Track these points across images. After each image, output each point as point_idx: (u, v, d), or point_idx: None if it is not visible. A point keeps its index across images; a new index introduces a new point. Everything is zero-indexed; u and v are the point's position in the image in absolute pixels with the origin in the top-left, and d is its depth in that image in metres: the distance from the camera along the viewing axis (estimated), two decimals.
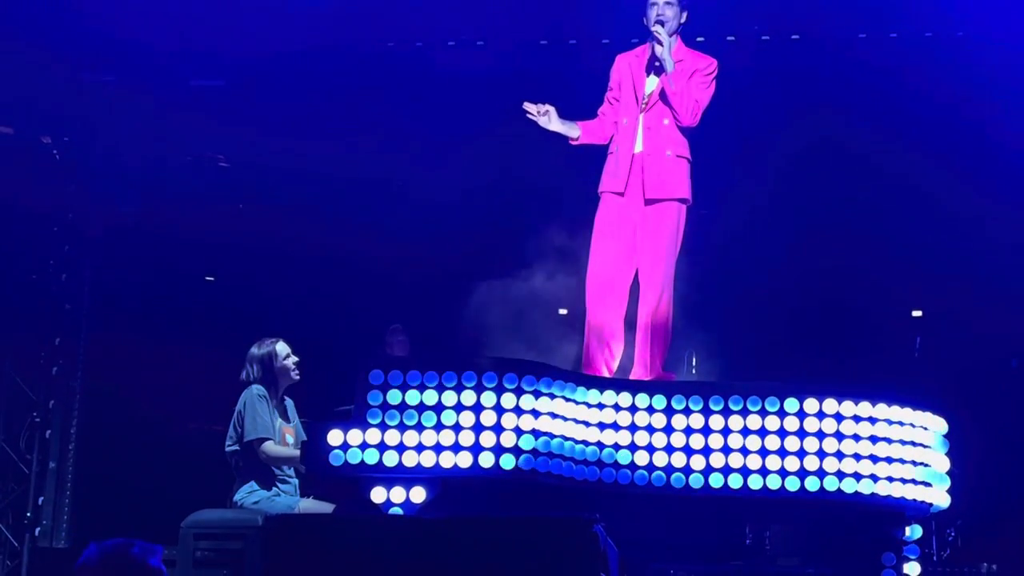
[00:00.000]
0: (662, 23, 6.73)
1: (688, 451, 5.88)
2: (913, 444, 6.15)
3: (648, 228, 6.70)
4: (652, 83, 6.81)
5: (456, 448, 5.60)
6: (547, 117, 6.85)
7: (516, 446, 5.60)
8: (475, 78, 9.47)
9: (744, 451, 5.89)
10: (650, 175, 6.68)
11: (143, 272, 10.18)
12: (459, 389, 5.66)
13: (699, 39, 8.81)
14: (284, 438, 6.71)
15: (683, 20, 6.87)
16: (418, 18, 9.27)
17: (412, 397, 5.66)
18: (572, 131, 6.91)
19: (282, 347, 6.83)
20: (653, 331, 6.61)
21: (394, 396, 5.66)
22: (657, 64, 6.76)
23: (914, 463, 6.13)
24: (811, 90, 9.36)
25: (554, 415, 5.75)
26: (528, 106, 6.85)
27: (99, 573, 3.19)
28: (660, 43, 6.70)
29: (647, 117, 6.76)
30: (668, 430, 5.90)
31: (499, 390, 5.65)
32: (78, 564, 3.22)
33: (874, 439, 6.01)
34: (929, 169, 9.55)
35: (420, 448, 5.61)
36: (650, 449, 5.87)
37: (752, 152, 9.66)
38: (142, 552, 3.22)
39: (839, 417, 5.99)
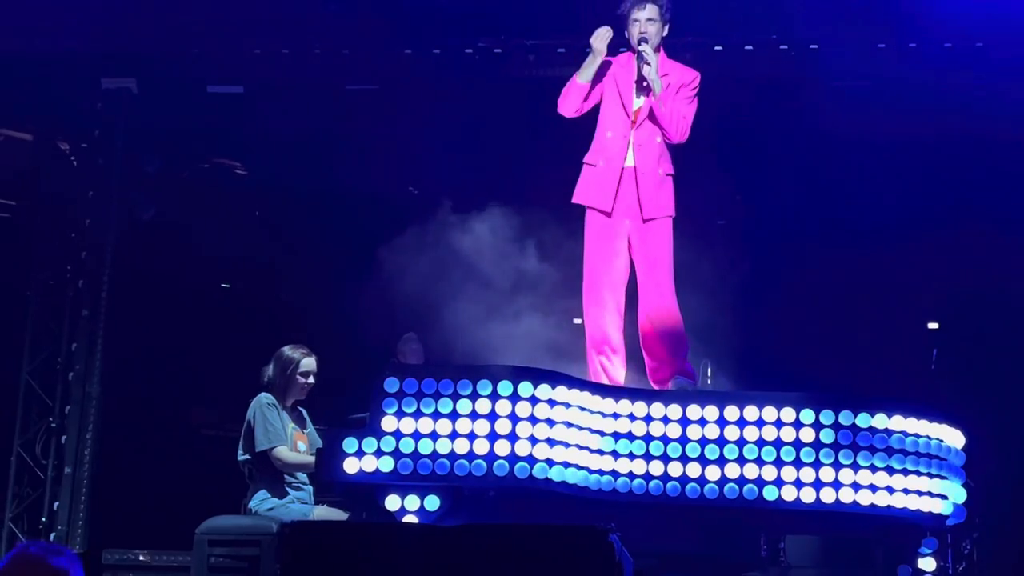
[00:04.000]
0: (646, 40, 6.63)
1: (703, 461, 5.86)
2: (929, 456, 6.12)
3: (646, 243, 6.69)
4: (639, 100, 6.73)
5: (471, 456, 5.59)
6: (603, 45, 6.64)
7: (531, 455, 5.60)
8: (492, 85, 9.48)
9: (759, 462, 5.87)
10: (645, 193, 6.65)
11: (160, 279, 10.20)
12: (474, 397, 5.66)
13: (717, 47, 8.83)
14: (296, 445, 6.71)
15: (665, 34, 6.75)
16: (435, 25, 9.29)
17: (427, 405, 5.66)
18: (586, 74, 6.71)
19: (307, 362, 6.80)
20: (663, 332, 6.60)
21: (409, 404, 5.66)
22: (645, 84, 6.67)
23: (930, 475, 6.11)
24: (829, 99, 9.34)
25: (569, 424, 5.74)
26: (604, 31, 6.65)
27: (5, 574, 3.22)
28: (648, 63, 6.61)
29: (638, 134, 6.68)
30: (683, 440, 5.89)
31: (514, 399, 5.65)
32: None
33: (890, 451, 5.99)
34: (946, 179, 9.53)
35: (435, 456, 5.61)
36: (665, 459, 5.86)
37: (767, 162, 9.64)
38: (42, 551, 3.23)
39: (855, 429, 5.97)
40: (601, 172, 6.72)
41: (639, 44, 6.66)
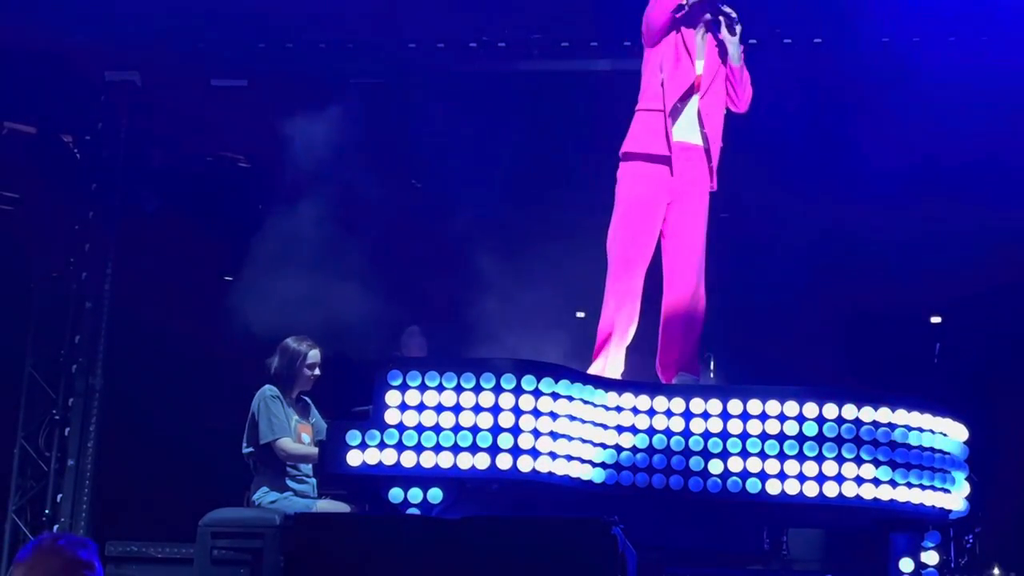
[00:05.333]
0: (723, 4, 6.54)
1: (706, 455, 5.86)
2: (932, 450, 6.13)
3: (692, 219, 6.57)
4: (700, 66, 6.59)
5: (474, 449, 5.60)
6: None
7: (534, 448, 5.60)
8: (496, 79, 9.49)
9: (763, 455, 5.87)
10: (716, 164, 6.57)
11: (163, 271, 10.21)
12: (477, 390, 5.65)
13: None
14: (300, 437, 6.73)
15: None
16: (440, 20, 9.29)
17: (430, 398, 5.66)
18: None
19: (313, 355, 6.84)
20: (691, 324, 6.56)
21: (412, 397, 5.66)
22: (717, 47, 6.56)
23: (933, 469, 6.11)
24: (834, 93, 9.35)
25: (572, 417, 5.74)
26: None
27: (29, 567, 3.26)
28: (738, 24, 6.50)
29: (703, 104, 6.55)
30: (686, 434, 5.89)
31: (517, 392, 5.65)
32: (14, 561, 3.32)
33: (893, 445, 5.99)
34: (949, 173, 9.52)
35: (438, 449, 5.61)
36: (668, 453, 5.86)
37: (773, 157, 9.63)
38: (69, 544, 3.30)
39: (858, 423, 5.97)
40: (659, 118, 6.50)
41: (726, 7, 6.55)
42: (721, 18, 6.59)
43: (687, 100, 6.55)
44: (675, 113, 6.52)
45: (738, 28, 6.56)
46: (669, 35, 6.59)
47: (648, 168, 6.54)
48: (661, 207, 6.57)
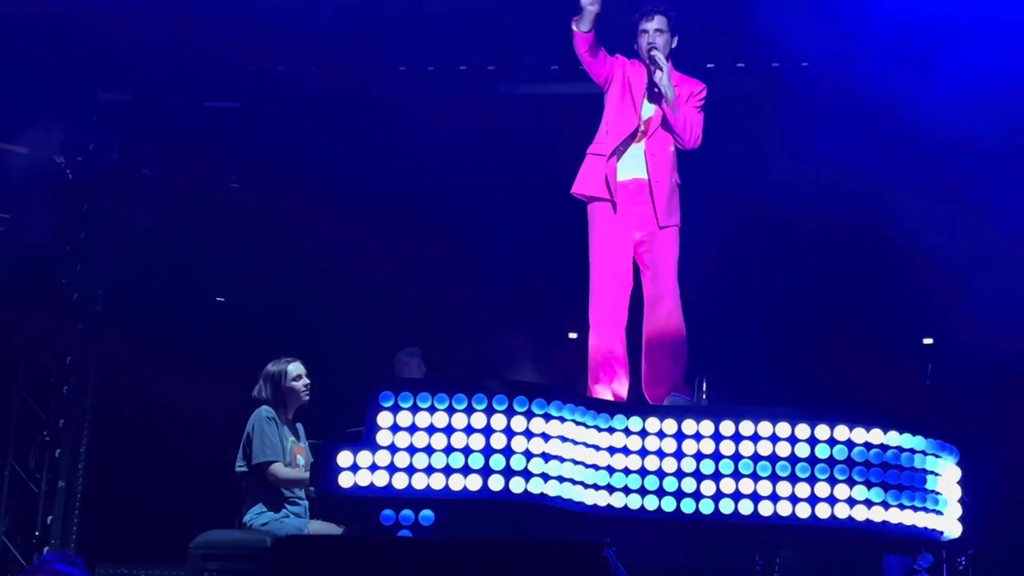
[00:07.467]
0: (656, 49, 6.69)
1: (698, 476, 5.86)
2: (924, 472, 6.13)
3: (658, 252, 6.71)
4: (649, 109, 6.76)
5: (466, 471, 5.59)
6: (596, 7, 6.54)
7: (526, 469, 5.60)
8: (487, 102, 9.51)
9: (755, 477, 5.87)
10: (660, 202, 6.67)
11: (155, 293, 10.20)
12: (469, 411, 5.65)
13: (709, 65, 8.86)
14: (295, 459, 6.72)
15: (674, 45, 6.83)
16: (430, 43, 9.32)
17: (422, 419, 5.66)
18: (584, 25, 6.57)
19: (294, 367, 6.84)
20: (668, 346, 6.61)
21: (404, 418, 5.66)
22: (657, 91, 6.71)
23: (925, 491, 6.11)
24: (821, 116, 9.37)
25: (564, 439, 5.74)
26: None
27: None
28: (660, 68, 6.66)
29: (650, 144, 6.71)
30: (678, 455, 5.89)
31: (509, 413, 5.65)
32: None
33: (885, 466, 6.00)
34: (939, 195, 9.53)
35: (430, 470, 5.60)
36: (660, 474, 5.86)
37: (761, 178, 9.66)
38: (51, 558, 3.46)
39: (850, 444, 5.97)
40: (604, 161, 6.68)
41: (650, 52, 6.70)
42: (647, 61, 6.73)
43: (629, 144, 6.70)
44: (619, 155, 6.69)
45: (659, 72, 6.65)
46: (617, 79, 6.75)
47: (606, 206, 6.70)
48: (629, 237, 6.70)
